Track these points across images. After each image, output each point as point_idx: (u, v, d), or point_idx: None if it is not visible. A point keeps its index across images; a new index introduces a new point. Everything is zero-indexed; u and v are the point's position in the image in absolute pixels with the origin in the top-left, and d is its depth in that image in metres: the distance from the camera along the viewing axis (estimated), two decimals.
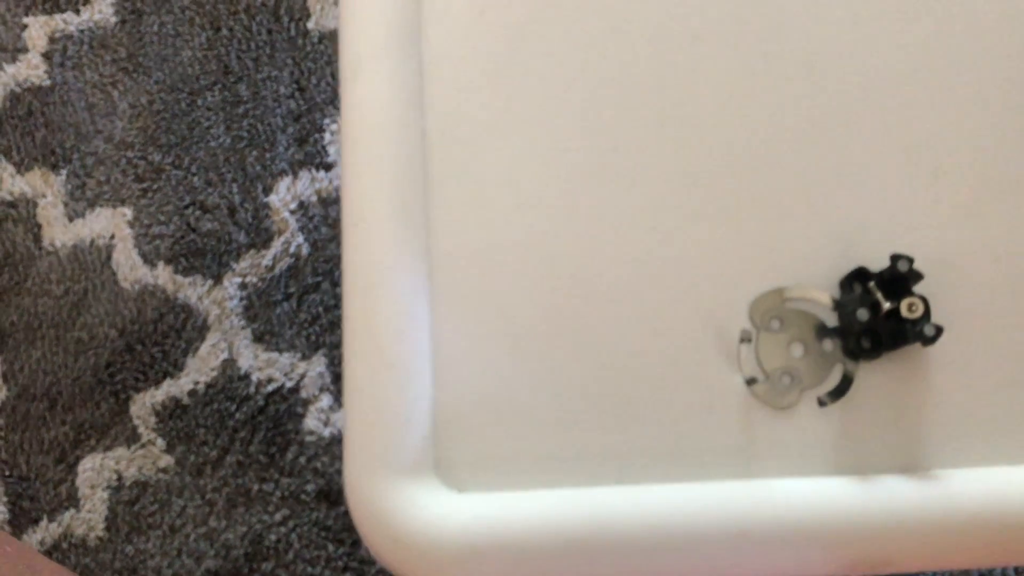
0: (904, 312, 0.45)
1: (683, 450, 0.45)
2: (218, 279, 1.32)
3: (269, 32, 1.40)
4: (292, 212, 1.34)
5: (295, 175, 1.35)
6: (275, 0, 1.41)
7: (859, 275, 0.47)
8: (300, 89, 1.39)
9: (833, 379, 0.47)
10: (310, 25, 1.41)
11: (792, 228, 0.48)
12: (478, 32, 0.48)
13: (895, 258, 0.45)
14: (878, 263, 0.46)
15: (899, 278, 0.45)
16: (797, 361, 0.47)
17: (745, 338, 0.47)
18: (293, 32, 1.40)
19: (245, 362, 1.30)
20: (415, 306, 0.44)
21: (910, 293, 0.45)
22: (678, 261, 0.47)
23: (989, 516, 0.46)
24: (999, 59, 0.51)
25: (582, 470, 0.45)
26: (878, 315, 0.45)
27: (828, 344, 0.48)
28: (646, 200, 0.48)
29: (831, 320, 0.47)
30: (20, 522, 1.27)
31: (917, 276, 0.46)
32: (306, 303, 1.32)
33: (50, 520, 1.26)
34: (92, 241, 1.33)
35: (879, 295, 0.45)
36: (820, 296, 0.48)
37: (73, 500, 1.27)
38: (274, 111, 1.37)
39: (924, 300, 0.45)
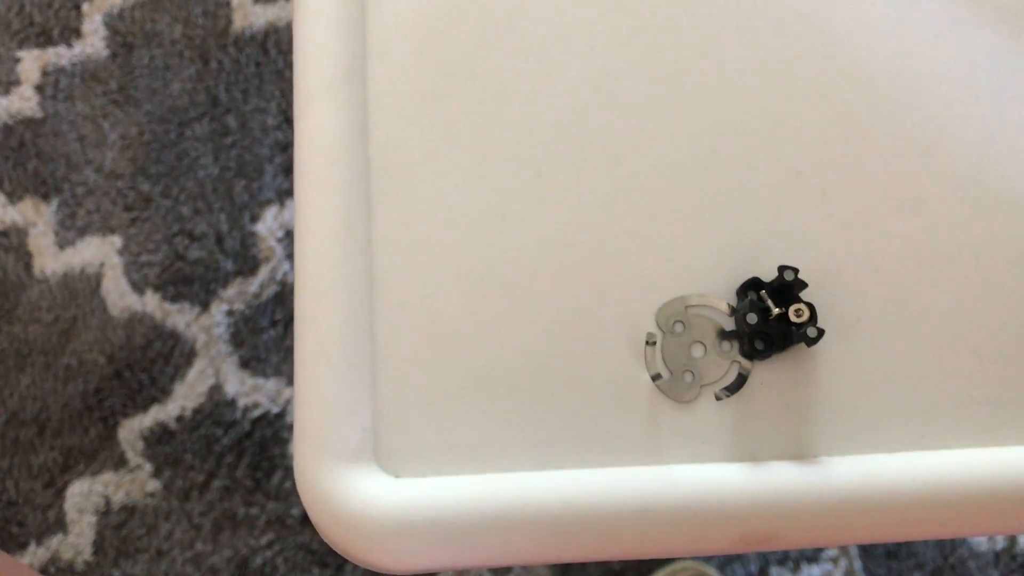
0: (792, 317, 0.49)
1: (597, 439, 0.49)
2: (205, 306, 1.33)
3: (257, 65, 1.41)
4: (279, 240, 1.35)
5: (282, 204, 1.36)
6: (263, 34, 1.42)
7: (752, 284, 0.51)
8: (287, 120, 1.40)
9: (730, 377, 0.51)
10: None
11: (695, 242, 0.52)
12: (417, 67, 0.53)
13: (782, 268, 0.49)
14: (770, 274, 0.50)
15: (787, 287, 0.49)
16: (698, 361, 0.51)
17: (651, 340, 0.50)
18: (280, 65, 1.42)
19: (232, 388, 1.30)
20: (358, 313, 0.48)
21: (798, 300, 0.48)
22: (593, 271, 0.52)
23: (866, 497, 0.50)
24: (881, 91, 0.55)
25: (507, 457, 0.48)
26: (768, 320, 0.49)
27: (726, 346, 0.51)
28: (566, 217, 0.52)
29: (729, 324, 0.51)
30: (8, 547, 1.27)
31: (802, 284, 0.49)
32: (292, 330, 1.32)
33: (38, 544, 1.26)
34: (82, 269, 1.34)
35: (769, 302, 0.49)
36: (718, 303, 0.52)
37: (61, 524, 1.27)
38: (261, 141, 1.38)
39: (810, 306, 0.49)
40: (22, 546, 1.27)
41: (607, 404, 0.49)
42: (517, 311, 0.49)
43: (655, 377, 0.50)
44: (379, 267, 0.49)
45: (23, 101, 1.39)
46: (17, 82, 1.40)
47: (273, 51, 1.42)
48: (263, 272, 1.34)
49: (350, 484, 0.46)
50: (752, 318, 0.49)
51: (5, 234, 1.35)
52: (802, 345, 0.51)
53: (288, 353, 1.32)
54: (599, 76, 0.54)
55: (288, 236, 1.35)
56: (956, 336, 0.52)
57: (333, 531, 0.46)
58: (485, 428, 0.48)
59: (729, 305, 0.52)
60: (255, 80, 1.41)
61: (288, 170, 1.38)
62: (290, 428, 1.28)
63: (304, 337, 0.47)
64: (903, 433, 0.51)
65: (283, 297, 1.34)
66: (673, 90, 0.54)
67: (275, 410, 1.30)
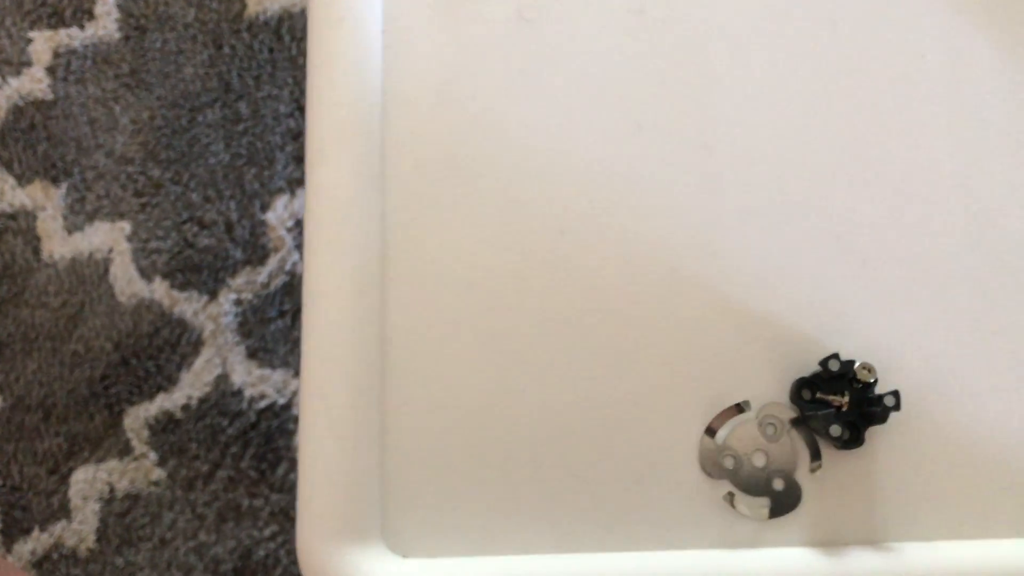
0: (862, 376, 0.48)
1: (617, 520, 0.48)
2: (214, 295, 1.32)
3: (270, 51, 1.40)
4: (289, 230, 1.34)
5: (293, 193, 1.35)
6: (277, 20, 1.41)
7: (804, 384, 0.50)
8: (300, 108, 1.39)
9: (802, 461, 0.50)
10: None
11: (721, 320, 0.51)
12: (436, 121, 0.51)
13: (824, 361, 0.48)
14: (821, 354, 0.49)
15: (836, 376, 0.48)
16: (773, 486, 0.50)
17: (730, 501, 0.49)
18: (294, 52, 1.40)
19: (238, 378, 1.30)
20: (367, 384, 0.46)
21: (851, 381, 0.47)
22: (617, 345, 0.50)
23: None
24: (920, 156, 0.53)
25: (521, 538, 0.47)
26: (841, 411, 0.48)
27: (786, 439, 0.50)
28: (589, 283, 0.50)
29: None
30: (11, 532, 1.27)
31: (849, 364, 0.48)
32: (300, 320, 1.31)
33: (41, 530, 1.27)
34: (90, 254, 1.33)
35: (831, 398, 0.48)
36: (784, 413, 0.50)
37: (65, 511, 1.27)
38: (273, 129, 1.38)
39: (871, 368, 0.48)
40: (25, 531, 1.27)
41: (628, 484, 0.48)
42: (535, 384, 0.48)
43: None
44: (391, 334, 0.48)
45: (34, 83, 1.38)
46: (28, 63, 1.39)
47: (287, 37, 1.40)
48: (272, 262, 1.33)
49: (356, 565, 0.45)
50: (836, 430, 0.48)
51: (14, 217, 1.34)
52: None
53: (296, 344, 1.32)
54: (625, 134, 0.52)
55: (298, 226, 1.35)
56: (1011, 415, 0.51)
57: None
58: (499, 506, 0.47)
59: (795, 414, 0.51)
60: (268, 67, 1.40)
61: (300, 159, 1.37)
62: (296, 420, 1.29)
63: (311, 408, 0.46)
64: (950, 520, 0.50)
65: (292, 287, 1.33)
66: (707, 146, 0.53)
67: (281, 401, 1.30)
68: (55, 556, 1.26)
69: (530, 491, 0.48)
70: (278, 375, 1.30)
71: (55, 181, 1.35)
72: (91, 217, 1.34)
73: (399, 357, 0.48)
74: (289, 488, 1.27)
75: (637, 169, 0.52)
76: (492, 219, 0.50)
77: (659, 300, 0.51)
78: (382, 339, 0.48)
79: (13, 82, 1.38)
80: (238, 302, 1.32)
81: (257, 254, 1.33)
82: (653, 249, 0.51)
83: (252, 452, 1.29)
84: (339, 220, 0.47)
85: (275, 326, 1.32)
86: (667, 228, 0.51)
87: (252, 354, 1.31)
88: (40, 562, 1.26)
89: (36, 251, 1.33)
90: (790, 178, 0.52)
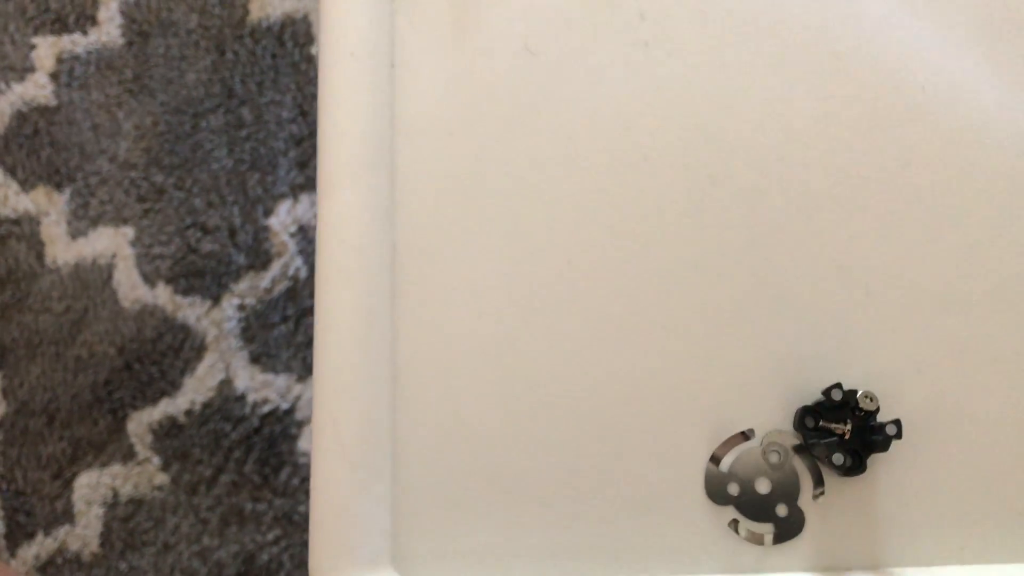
0: (864, 405, 0.49)
1: (628, 548, 0.49)
2: (217, 300, 1.32)
3: (273, 57, 1.40)
4: (292, 235, 1.34)
5: (295, 198, 1.35)
6: (280, 25, 1.41)
7: (807, 412, 0.51)
8: (302, 113, 1.39)
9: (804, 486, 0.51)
10: (313, 51, 1.42)
11: (730, 345, 0.52)
12: (446, 150, 0.51)
13: (827, 391, 0.49)
14: (823, 382, 0.49)
15: (839, 404, 0.49)
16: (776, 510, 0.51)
17: (735, 528, 0.50)
18: (297, 57, 1.40)
19: (241, 383, 1.30)
20: (379, 409, 0.47)
21: (853, 410, 0.48)
22: (628, 371, 0.51)
23: None
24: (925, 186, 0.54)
25: (533, 566, 0.48)
26: (844, 440, 0.49)
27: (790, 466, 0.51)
28: (598, 311, 0.51)
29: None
30: (16, 536, 1.28)
31: (852, 394, 0.49)
32: (303, 325, 1.32)
33: (45, 535, 1.27)
34: (94, 260, 1.33)
35: (834, 426, 0.49)
36: (786, 440, 0.51)
37: (69, 516, 1.27)
38: (276, 135, 1.37)
39: (873, 396, 0.49)
40: (29, 536, 1.27)
41: (634, 512, 0.49)
42: (544, 411, 0.49)
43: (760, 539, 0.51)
44: (402, 361, 0.49)
45: (37, 88, 1.38)
46: (32, 69, 1.39)
47: (290, 43, 1.40)
48: (275, 267, 1.33)
49: None
50: (839, 458, 0.48)
51: (17, 222, 1.34)
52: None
53: (298, 349, 1.32)
54: (634, 161, 0.53)
55: (301, 231, 1.35)
56: (1012, 442, 0.52)
57: None
58: (510, 533, 0.48)
59: (798, 441, 0.51)
60: (271, 72, 1.40)
61: (303, 164, 1.37)
62: (299, 424, 1.29)
63: (322, 434, 0.47)
64: (954, 544, 0.50)
65: (294, 293, 1.33)
66: (712, 176, 0.53)
67: (284, 406, 1.30)
68: (59, 561, 1.27)
69: (538, 519, 0.49)
70: (281, 380, 1.30)
71: (58, 187, 1.35)
72: (94, 222, 1.34)
73: (409, 385, 0.49)
74: (292, 492, 1.27)
75: (642, 199, 0.53)
76: (500, 248, 0.51)
77: (663, 330, 0.51)
78: (393, 367, 0.48)
79: (17, 88, 1.38)
80: (241, 307, 1.32)
81: (260, 259, 1.33)
82: (657, 278, 0.52)
83: (255, 457, 1.29)
84: (350, 251, 0.48)
85: (278, 331, 1.32)
86: (671, 258, 0.52)
87: (255, 359, 1.31)
88: (44, 567, 1.26)
89: (40, 256, 1.34)
90: (793, 208, 0.53)
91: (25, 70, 1.39)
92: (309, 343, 1.30)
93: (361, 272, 0.48)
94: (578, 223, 0.51)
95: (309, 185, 1.36)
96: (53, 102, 1.38)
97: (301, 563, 1.27)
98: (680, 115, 0.53)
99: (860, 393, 0.49)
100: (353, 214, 0.48)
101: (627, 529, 0.49)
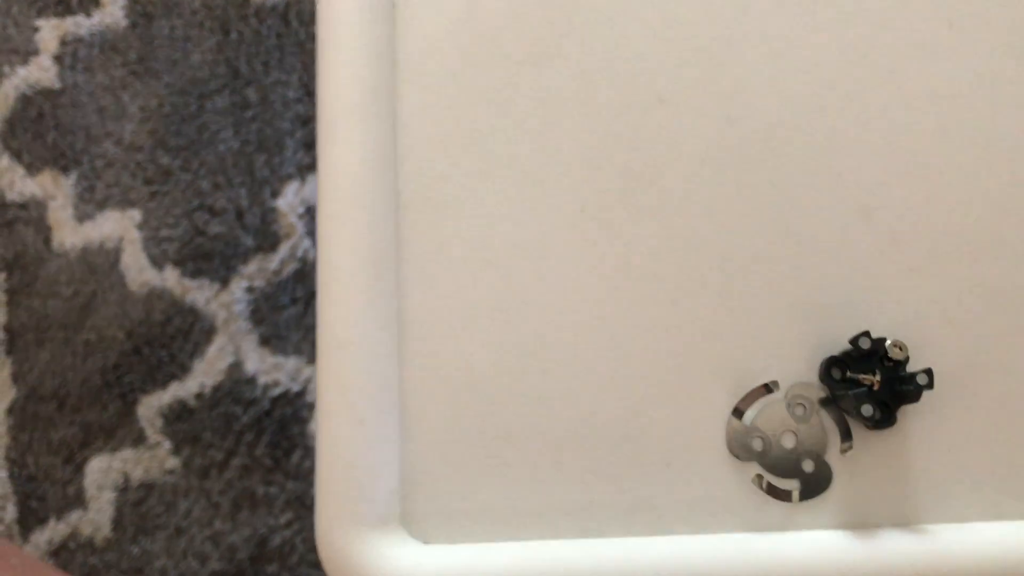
0: (893, 354, 0.47)
1: (646, 505, 0.47)
2: (225, 282, 1.32)
3: (278, 36, 1.39)
4: (299, 216, 1.34)
5: (303, 179, 1.35)
6: (284, 4, 1.40)
7: (833, 363, 0.49)
8: (308, 93, 1.38)
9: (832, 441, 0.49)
10: None
11: (752, 291, 0.50)
12: (452, 95, 0.49)
13: (855, 340, 0.47)
14: (850, 332, 0.47)
15: (865, 355, 0.47)
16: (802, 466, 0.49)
17: (761, 484, 0.48)
18: (302, 36, 1.40)
19: (251, 366, 1.30)
20: (385, 365, 0.45)
21: (881, 359, 0.46)
22: (644, 320, 0.49)
23: (975, 570, 0.47)
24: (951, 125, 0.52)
25: (546, 523, 0.46)
26: (872, 390, 0.47)
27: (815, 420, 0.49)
28: (612, 261, 0.49)
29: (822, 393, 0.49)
30: (28, 522, 1.28)
31: (880, 342, 0.47)
32: (313, 307, 1.32)
33: (57, 520, 1.27)
34: (101, 243, 1.33)
35: (862, 377, 0.47)
36: (811, 393, 0.49)
37: (80, 500, 1.28)
38: (283, 115, 1.37)
39: (903, 345, 0.47)
40: (42, 521, 1.28)
41: (653, 467, 0.47)
42: (558, 366, 0.47)
43: (788, 495, 0.49)
44: (408, 314, 0.47)
45: (41, 71, 1.38)
46: (35, 52, 1.39)
47: (295, 22, 1.40)
48: (283, 249, 1.33)
49: (376, 551, 0.44)
50: (868, 410, 0.47)
51: (24, 207, 1.34)
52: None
53: (308, 331, 1.32)
54: (651, 102, 0.51)
55: (309, 212, 1.34)
56: None
57: None
58: (523, 490, 0.46)
59: (824, 394, 0.49)
60: (276, 52, 1.39)
61: (310, 145, 1.37)
62: (310, 407, 1.29)
63: (327, 391, 0.45)
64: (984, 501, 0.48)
65: (303, 274, 1.33)
66: (730, 119, 0.51)
67: (295, 388, 1.30)
68: (72, 545, 1.27)
69: (553, 475, 0.47)
70: (291, 362, 1.30)
71: (64, 170, 1.35)
72: (101, 206, 1.34)
73: (417, 339, 0.47)
74: (304, 475, 1.27)
75: (658, 143, 0.51)
76: (510, 194, 0.49)
77: (684, 279, 0.49)
78: (399, 321, 0.46)
79: (21, 71, 1.38)
80: (250, 289, 1.32)
81: (268, 241, 1.33)
82: (676, 227, 0.50)
83: (267, 440, 1.29)
84: (353, 199, 0.46)
85: (287, 313, 1.31)
86: (690, 205, 0.50)
87: (265, 341, 1.31)
88: (57, 551, 1.27)
89: (47, 241, 1.34)
90: (815, 148, 0.51)
91: (29, 53, 1.39)
92: None
93: (364, 221, 0.46)
94: (592, 167, 0.49)
95: (316, 166, 1.35)
96: (57, 85, 1.38)
97: (314, 547, 1.27)
98: (697, 52, 0.51)
99: (889, 342, 0.47)
100: (354, 161, 0.46)
101: (645, 486, 0.47)
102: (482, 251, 0.48)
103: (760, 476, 0.49)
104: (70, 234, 1.34)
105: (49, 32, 1.39)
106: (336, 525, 0.45)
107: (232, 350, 1.31)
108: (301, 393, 1.30)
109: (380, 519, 0.45)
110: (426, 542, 0.46)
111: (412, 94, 0.49)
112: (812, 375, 0.50)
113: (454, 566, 0.45)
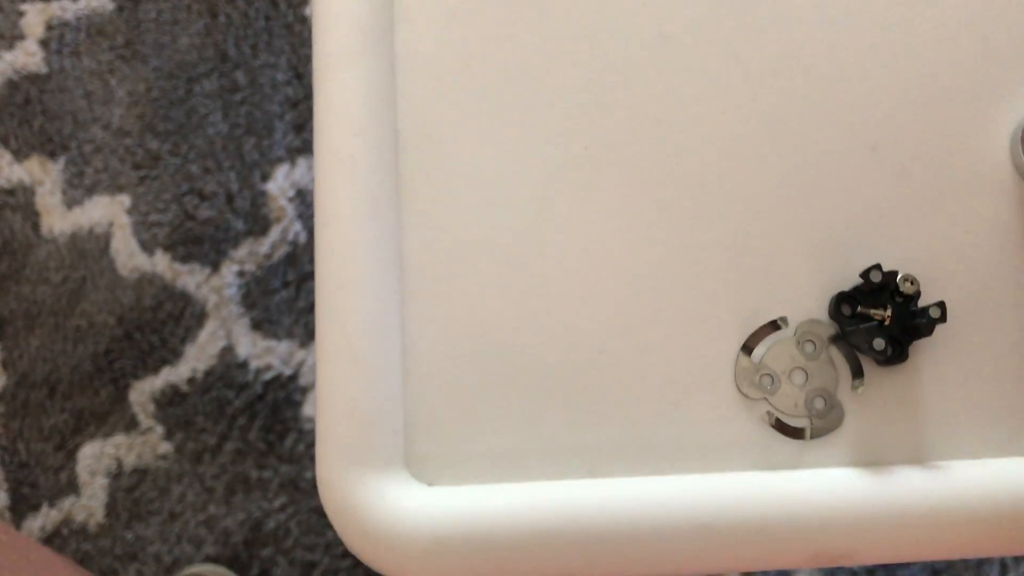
0: (905, 289, 0.46)
1: (651, 444, 0.46)
2: (216, 267, 1.31)
3: (267, 19, 1.38)
4: (290, 200, 1.33)
5: (293, 162, 1.34)
6: None
7: (843, 299, 0.48)
8: (297, 76, 1.38)
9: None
10: (307, 12, 1.40)
11: (758, 232, 0.49)
12: (450, 30, 0.49)
13: (866, 273, 0.46)
14: (859, 267, 0.47)
15: (877, 288, 0.46)
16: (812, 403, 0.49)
17: (770, 422, 0.48)
18: (290, 19, 1.39)
19: (243, 350, 1.30)
20: (386, 304, 0.44)
21: (892, 293, 0.46)
22: (647, 259, 0.48)
23: (989, 506, 0.46)
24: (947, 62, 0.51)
25: (551, 464, 0.45)
26: (883, 325, 0.46)
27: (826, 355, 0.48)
28: (616, 199, 0.48)
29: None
30: (20, 508, 1.27)
31: (892, 276, 0.46)
32: (304, 291, 1.31)
33: (50, 506, 1.26)
34: (90, 229, 1.32)
35: (873, 311, 0.46)
36: (822, 330, 0.49)
37: (73, 487, 1.27)
38: (271, 98, 1.36)
39: (914, 279, 0.46)
40: (34, 508, 1.27)
41: (660, 405, 0.46)
42: (561, 303, 0.46)
43: (803, 432, 0.48)
44: (409, 254, 0.46)
45: (28, 56, 1.37)
46: (21, 36, 1.38)
47: (283, 4, 1.39)
48: (274, 232, 1.32)
49: (379, 494, 0.43)
50: (880, 343, 0.46)
51: (12, 193, 1.33)
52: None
53: (300, 315, 1.31)
54: (653, 37, 0.50)
55: (299, 195, 1.33)
56: None
57: (361, 545, 0.43)
58: (527, 431, 0.45)
59: (834, 331, 0.49)
60: (264, 35, 1.38)
61: (299, 127, 1.36)
62: (303, 390, 1.28)
63: (327, 333, 0.44)
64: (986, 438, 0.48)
65: (294, 258, 1.32)
66: (736, 54, 0.50)
67: (288, 372, 1.29)
68: (65, 532, 1.26)
69: (559, 415, 0.46)
70: (283, 346, 1.29)
71: (52, 155, 1.34)
72: (90, 191, 1.33)
73: (418, 279, 0.46)
74: (298, 459, 1.27)
75: (663, 80, 0.50)
76: (511, 133, 0.48)
77: (689, 214, 0.49)
78: (399, 260, 0.46)
79: (6, 56, 1.37)
80: (241, 274, 1.31)
81: (259, 225, 1.32)
82: (681, 162, 0.49)
83: (259, 424, 1.28)
84: (350, 137, 0.45)
85: (279, 297, 1.31)
86: (696, 140, 0.49)
87: (257, 326, 1.30)
88: (50, 537, 1.26)
89: (36, 227, 1.32)
90: (824, 84, 0.50)
91: (14, 37, 1.37)
92: (311, 308, 1.29)
93: (362, 161, 0.45)
94: (595, 104, 0.49)
95: (306, 149, 1.35)
96: (44, 70, 1.37)
97: (308, 529, 1.26)
98: None
99: (900, 276, 0.46)
100: (352, 99, 0.45)
101: (653, 425, 0.47)
102: (485, 189, 0.47)
103: (770, 413, 0.48)
104: (59, 220, 1.33)
105: (35, 16, 1.38)
106: (338, 467, 0.43)
107: (224, 334, 1.30)
108: (293, 377, 1.29)
109: (383, 461, 0.44)
110: (430, 484, 0.45)
111: (410, 30, 0.48)
112: (822, 312, 0.49)
113: (459, 508, 0.44)
